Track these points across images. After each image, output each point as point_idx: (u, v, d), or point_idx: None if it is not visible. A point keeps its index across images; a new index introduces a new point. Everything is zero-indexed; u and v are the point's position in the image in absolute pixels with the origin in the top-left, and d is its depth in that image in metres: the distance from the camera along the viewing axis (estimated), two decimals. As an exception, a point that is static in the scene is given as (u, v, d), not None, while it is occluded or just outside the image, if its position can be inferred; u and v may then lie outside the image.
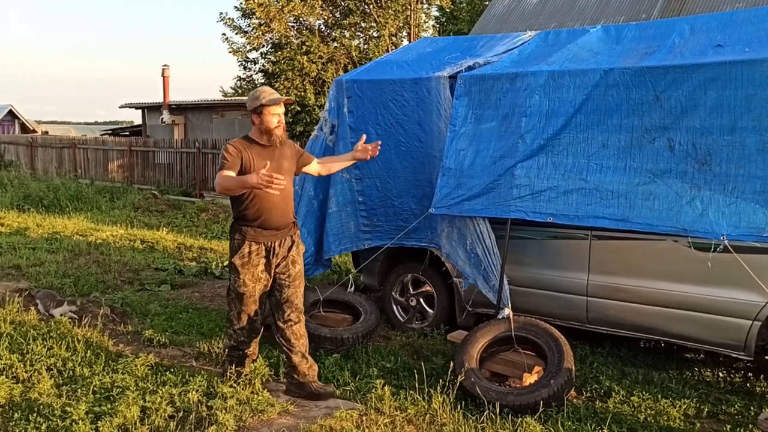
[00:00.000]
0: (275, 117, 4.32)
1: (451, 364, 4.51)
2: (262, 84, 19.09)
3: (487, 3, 21.36)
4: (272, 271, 4.40)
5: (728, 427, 4.09)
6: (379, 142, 4.79)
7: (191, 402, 4.08)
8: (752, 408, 4.36)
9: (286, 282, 4.42)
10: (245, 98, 23.35)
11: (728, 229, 3.96)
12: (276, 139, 4.34)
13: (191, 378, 4.43)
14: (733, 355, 4.65)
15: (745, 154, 3.93)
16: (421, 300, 6.01)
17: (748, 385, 4.82)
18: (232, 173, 4.16)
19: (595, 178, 4.47)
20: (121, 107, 27.51)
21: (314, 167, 4.83)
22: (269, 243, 4.37)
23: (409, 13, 19.16)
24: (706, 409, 4.35)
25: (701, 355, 5.36)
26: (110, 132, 29.44)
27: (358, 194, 5.83)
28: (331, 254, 5.95)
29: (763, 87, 3.85)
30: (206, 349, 5.19)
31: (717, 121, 4.02)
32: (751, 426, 4.07)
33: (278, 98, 4.31)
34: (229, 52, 18.92)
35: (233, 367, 4.54)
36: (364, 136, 4.83)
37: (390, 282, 6.16)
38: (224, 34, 20.31)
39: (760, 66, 3.87)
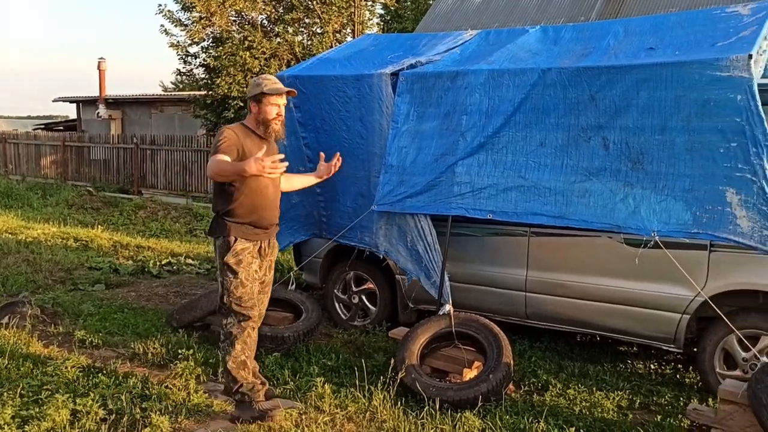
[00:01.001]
0: (275, 108, 3.98)
1: (392, 361, 4.51)
2: (203, 79, 18.74)
3: (431, 2, 21.50)
4: (263, 272, 4.09)
5: (659, 417, 4.22)
6: (339, 159, 4.50)
7: (124, 404, 3.97)
8: (682, 398, 4.51)
9: (261, 287, 4.09)
10: (185, 93, 22.81)
11: (659, 225, 4.08)
12: (272, 133, 4.01)
13: (125, 380, 4.32)
14: (664, 347, 4.80)
15: (675, 153, 4.06)
16: (364, 297, 6.01)
17: (678, 376, 4.99)
18: (228, 158, 3.78)
19: (534, 176, 4.54)
20: (55, 101, 26.67)
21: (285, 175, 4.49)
22: (260, 242, 4.03)
23: (353, 9, 19.13)
24: (639, 401, 4.48)
25: (634, 348, 5.52)
26: (43, 126, 28.42)
27: (317, 186, 5.83)
28: (298, 239, 6.05)
29: (691, 88, 3.98)
30: (141, 349, 5.06)
31: (648, 121, 4.14)
32: (680, 416, 4.21)
33: (281, 88, 3.99)
34: (169, 46, 18.49)
35: (255, 398, 3.95)
36: (323, 155, 4.53)
37: (332, 279, 6.13)
38: (162, 26, 19.88)
39: (689, 68, 4.00)
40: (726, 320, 4.19)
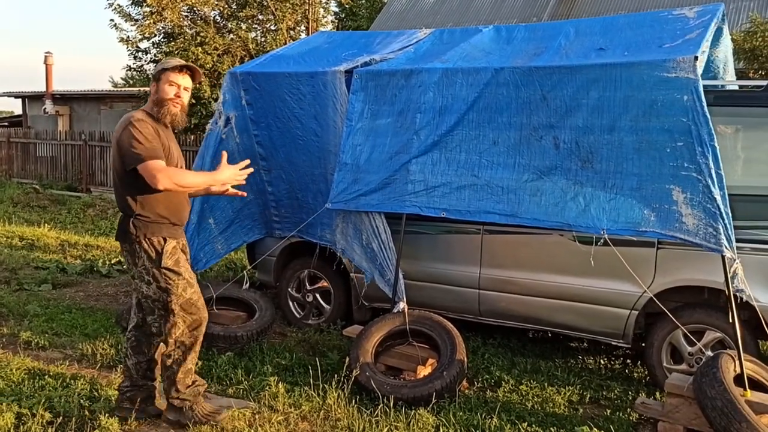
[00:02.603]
0: (173, 88, 3.60)
1: (347, 359, 4.50)
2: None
3: (385, 1, 21.53)
4: None
5: (608, 411, 4.31)
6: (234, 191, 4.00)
7: (72, 406, 3.86)
8: (630, 393, 4.61)
9: None
10: (136, 89, 22.28)
11: (608, 223, 4.16)
12: (167, 115, 3.60)
13: (72, 381, 4.21)
14: (613, 343, 4.91)
15: (623, 152, 4.15)
16: (318, 296, 5.98)
17: (626, 371, 5.10)
18: (163, 162, 3.44)
19: (487, 174, 4.58)
20: (-2, 96, 25.78)
21: None
22: (183, 240, 3.76)
23: (307, 7, 19.01)
24: (589, 395, 4.56)
25: (585, 344, 5.62)
26: (-13, 122, 27.47)
27: (268, 184, 5.80)
28: (252, 238, 6.01)
29: (639, 89, 4.07)
30: (90, 350, 4.94)
31: (598, 121, 4.21)
32: (629, 410, 4.31)
33: (183, 64, 3.64)
34: (119, 41, 18.07)
35: (197, 402, 3.74)
36: (225, 154, 3.88)
37: (286, 278, 6.09)
38: (112, 20, 19.41)
39: (637, 69, 4.09)
40: (671, 316, 4.31)
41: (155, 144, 3.46)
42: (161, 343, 3.75)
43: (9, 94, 25.48)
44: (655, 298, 4.38)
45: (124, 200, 3.59)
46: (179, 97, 3.63)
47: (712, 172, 3.84)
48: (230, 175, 3.57)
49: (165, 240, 3.58)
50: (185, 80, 3.66)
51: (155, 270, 3.55)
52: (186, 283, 3.61)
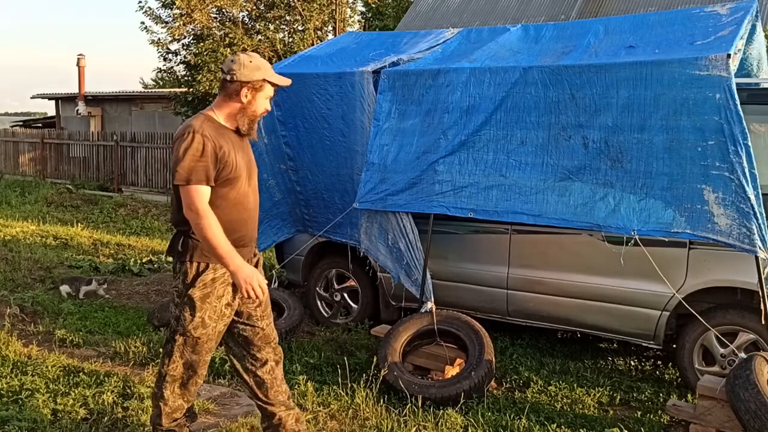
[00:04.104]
0: (268, 101, 3.22)
1: (375, 359, 4.52)
2: (184, 76, 18.57)
3: (412, 0, 21.50)
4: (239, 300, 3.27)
5: (639, 413, 4.27)
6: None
7: (106, 403, 3.94)
8: (661, 395, 4.56)
9: (256, 312, 3.32)
10: (166, 90, 22.53)
11: (639, 224, 4.12)
12: (253, 132, 3.23)
13: (106, 379, 4.29)
14: (643, 344, 4.86)
15: (654, 152, 4.10)
16: (346, 295, 6.00)
17: (657, 372, 5.04)
18: (208, 189, 3.01)
19: (514, 174, 4.56)
20: (33, 98, 26.31)
21: None
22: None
23: (334, 7, 19.07)
24: (619, 397, 4.52)
25: (614, 345, 5.57)
26: (21, 123, 28.04)
27: (296, 184, 5.87)
28: (282, 237, 6.03)
29: (670, 87, 4.02)
30: (122, 348, 5.02)
31: (628, 120, 4.17)
32: (660, 412, 4.26)
33: (283, 80, 3.27)
34: (150, 43, 18.32)
35: None
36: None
37: (314, 277, 6.12)
38: (143, 23, 19.70)
39: (668, 67, 4.04)
40: (701, 319, 4.25)
41: (204, 163, 2.99)
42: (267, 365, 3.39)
43: (43, 96, 25.99)
44: (683, 301, 4.33)
45: (178, 213, 3.12)
46: (268, 110, 3.28)
47: (746, 171, 3.78)
48: (249, 276, 3.00)
49: (206, 267, 3.12)
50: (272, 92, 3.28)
51: (180, 292, 3.18)
52: (198, 322, 3.15)
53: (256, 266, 3.29)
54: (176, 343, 3.22)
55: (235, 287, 3.14)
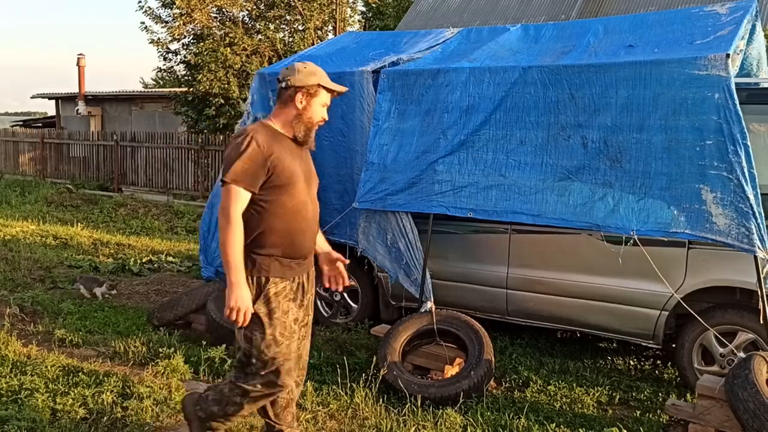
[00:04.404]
0: (324, 110, 3.15)
1: (374, 358, 4.52)
2: (184, 76, 18.58)
3: (412, 0, 21.51)
4: (305, 316, 3.22)
5: (638, 412, 4.27)
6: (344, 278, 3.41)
7: (105, 403, 3.94)
8: (660, 394, 4.56)
9: (301, 333, 3.22)
10: (166, 90, 22.52)
11: (638, 224, 4.12)
12: (311, 142, 3.14)
13: (105, 378, 4.29)
14: (643, 343, 4.86)
15: (652, 151, 4.10)
16: (345, 295, 6.00)
17: (656, 372, 5.04)
18: (247, 195, 2.94)
19: (514, 174, 4.57)
20: (33, 97, 26.33)
21: None
22: (299, 278, 3.15)
23: (334, 7, 19.08)
24: (618, 396, 4.52)
25: (614, 345, 5.57)
26: (21, 123, 28.05)
27: None
28: None
29: (669, 87, 4.03)
30: (122, 348, 5.02)
31: (627, 120, 4.18)
32: (659, 411, 4.26)
33: (339, 87, 3.19)
34: (149, 42, 18.33)
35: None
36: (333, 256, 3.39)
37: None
38: (143, 23, 19.72)
39: (667, 66, 4.04)
40: (699, 319, 4.25)
41: (252, 167, 2.92)
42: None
43: (43, 96, 26.00)
44: (682, 301, 4.33)
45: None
46: (325, 120, 3.17)
47: (745, 170, 3.79)
48: (240, 299, 2.89)
49: (267, 280, 3.02)
50: (329, 100, 3.19)
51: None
52: (272, 340, 3.00)
53: (307, 280, 3.20)
54: (250, 369, 3.05)
55: (301, 297, 3.15)
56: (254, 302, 2.98)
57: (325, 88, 3.11)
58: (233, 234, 2.90)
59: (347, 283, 3.38)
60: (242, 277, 2.92)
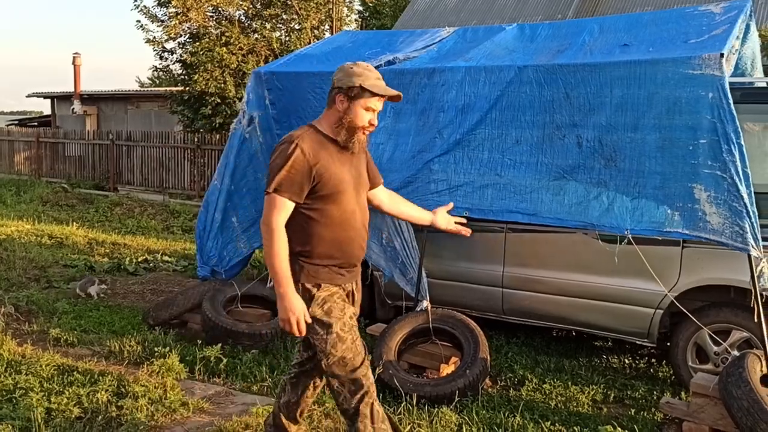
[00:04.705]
0: (368, 114, 2.94)
1: (370, 357, 4.52)
2: (180, 75, 18.54)
3: (409, -1, 21.51)
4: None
5: (633, 410, 4.28)
6: (465, 231, 3.60)
7: (100, 402, 3.93)
8: (655, 392, 4.57)
9: None
10: (162, 89, 22.44)
11: (632, 223, 4.12)
12: (357, 145, 2.98)
13: (100, 377, 4.28)
14: (638, 342, 4.87)
15: (646, 150, 4.11)
16: (341, 294, 6.00)
17: (651, 370, 5.06)
18: (292, 206, 2.88)
19: (509, 174, 4.57)
20: (28, 96, 26.34)
21: (380, 193, 3.38)
22: (349, 285, 3.10)
23: (331, 6, 19.07)
24: (613, 394, 4.54)
25: (609, 343, 5.58)
26: (17, 122, 27.99)
27: None
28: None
29: (663, 86, 4.04)
30: (117, 347, 5.02)
31: (621, 119, 4.18)
32: (653, 409, 4.28)
33: (385, 87, 2.96)
34: (145, 41, 18.29)
35: None
36: (451, 204, 3.66)
37: (309, 276, 6.11)
38: (139, 21, 19.67)
39: (662, 66, 4.05)
40: (693, 318, 4.26)
41: (296, 176, 2.84)
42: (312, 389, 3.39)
43: (38, 95, 25.94)
44: (675, 301, 4.34)
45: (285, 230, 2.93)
46: (372, 125, 2.98)
47: (739, 169, 3.79)
48: (293, 308, 2.83)
49: (318, 286, 2.97)
50: (380, 105, 2.98)
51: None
52: (336, 338, 2.94)
53: (356, 288, 3.16)
54: (333, 374, 2.98)
55: (352, 301, 3.11)
56: (309, 307, 2.92)
57: (370, 91, 2.90)
58: (277, 245, 2.84)
59: (468, 232, 3.52)
60: (290, 286, 2.85)
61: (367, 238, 3.15)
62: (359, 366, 2.97)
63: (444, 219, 3.55)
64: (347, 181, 2.97)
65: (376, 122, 2.99)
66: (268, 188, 2.88)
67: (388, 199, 3.42)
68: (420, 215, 3.54)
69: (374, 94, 2.92)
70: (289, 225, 2.90)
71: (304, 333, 2.89)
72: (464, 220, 3.57)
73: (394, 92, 2.99)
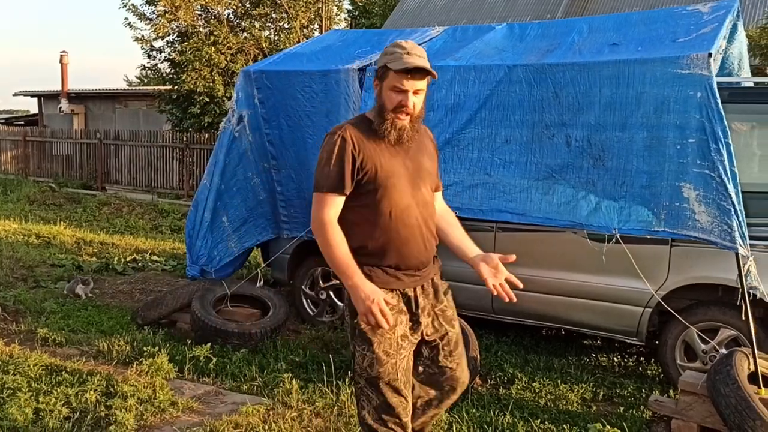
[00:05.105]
0: (397, 95, 2.62)
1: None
2: (168, 74, 18.46)
3: (398, -2, 21.51)
4: (419, 335, 2.80)
5: (622, 408, 4.30)
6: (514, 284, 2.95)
7: (89, 402, 3.91)
8: (644, 390, 4.59)
9: (444, 350, 2.86)
10: (150, 88, 22.38)
11: (619, 223, 4.15)
12: (393, 133, 2.66)
13: (89, 377, 4.26)
14: (626, 340, 4.89)
15: (634, 150, 4.14)
16: (331, 293, 6.00)
17: (640, 368, 5.09)
18: (341, 199, 2.67)
19: (499, 173, 4.58)
20: (15, 95, 26.25)
21: (437, 200, 2.99)
22: (409, 291, 2.76)
23: (320, 5, 19.05)
24: (602, 393, 4.56)
25: (598, 342, 5.61)
26: (3, 121, 27.78)
27: (277, 184, 5.81)
28: (265, 237, 5.93)
29: (652, 85, 4.06)
30: (106, 347, 4.99)
31: (610, 118, 4.21)
32: (642, 407, 4.30)
33: (413, 64, 2.58)
34: (134, 40, 18.21)
35: None
36: (514, 257, 2.92)
37: (300, 275, 6.11)
38: (126, 19, 19.59)
39: (650, 65, 4.08)
40: (680, 318, 4.29)
41: (339, 168, 2.64)
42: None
43: (25, 93, 25.78)
44: (662, 301, 4.36)
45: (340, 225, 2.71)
46: (405, 106, 2.62)
47: (727, 168, 3.82)
48: (369, 295, 2.55)
49: None
50: (415, 84, 2.63)
51: (349, 323, 2.77)
52: (374, 358, 2.67)
53: (437, 297, 2.86)
54: (359, 385, 2.76)
55: (412, 316, 2.76)
56: (356, 316, 2.67)
57: (393, 70, 2.60)
58: (332, 237, 2.63)
59: (519, 285, 2.83)
60: (358, 274, 2.59)
61: (433, 238, 2.82)
62: (393, 390, 2.69)
63: (488, 271, 2.87)
64: (398, 173, 2.69)
65: (409, 103, 2.61)
66: (315, 186, 2.71)
67: (438, 212, 2.94)
68: (463, 250, 2.97)
69: (397, 72, 2.59)
70: (342, 221, 2.68)
71: (392, 321, 2.61)
72: (518, 282, 2.89)
73: (411, 65, 2.58)
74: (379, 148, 2.67)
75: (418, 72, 2.60)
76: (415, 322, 2.77)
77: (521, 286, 2.81)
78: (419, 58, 2.63)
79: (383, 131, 2.66)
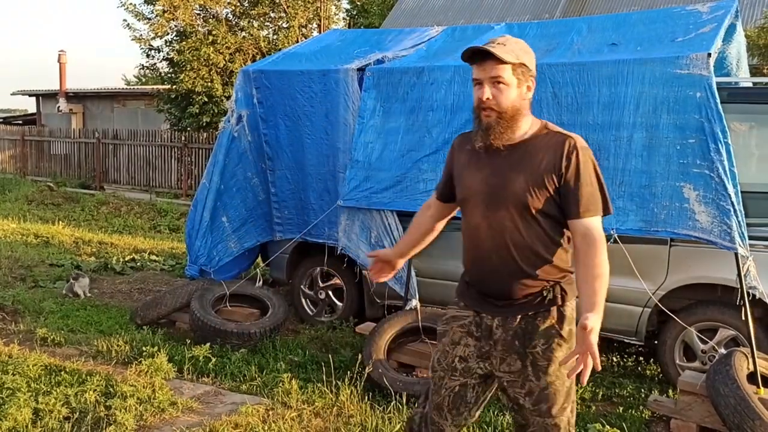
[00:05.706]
0: (478, 91, 2.39)
1: (359, 356, 4.52)
2: (167, 73, 18.45)
3: (396, -2, 21.51)
4: (489, 368, 2.50)
5: (621, 408, 4.30)
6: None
7: (88, 402, 3.91)
8: (643, 390, 4.60)
9: (525, 403, 2.46)
10: (149, 87, 22.35)
11: (618, 223, 4.15)
12: (479, 136, 2.40)
13: (88, 377, 4.25)
14: (626, 340, 4.89)
15: (633, 150, 4.14)
16: (330, 293, 6.00)
17: (639, 368, 5.09)
18: (437, 202, 2.72)
19: (498, 172, 4.57)
20: (13, 94, 26.19)
21: (575, 237, 2.43)
22: (486, 318, 2.49)
23: (319, 4, 19.04)
24: (601, 393, 4.56)
25: (597, 342, 5.59)
26: (1, 120, 27.74)
27: (271, 185, 5.80)
28: (265, 239, 5.92)
29: (651, 85, 4.06)
30: (105, 347, 4.99)
31: (609, 118, 4.21)
32: (641, 407, 4.30)
33: (475, 49, 2.34)
34: (132, 39, 18.19)
35: None
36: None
37: (299, 275, 6.11)
38: (125, 20, 19.57)
39: (650, 65, 4.08)
40: (676, 319, 4.29)
41: (444, 177, 2.66)
42: None
43: (23, 93, 25.73)
44: (659, 303, 4.36)
45: None
46: (482, 99, 2.35)
47: (726, 168, 3.83)
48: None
49: (455, 302, 2.64)
50: (489, 70, 2.33)
51: None
52: (433, 362, 2.61)
53: (528, 340, 2.43)
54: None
55: (479, 344, 2.49)
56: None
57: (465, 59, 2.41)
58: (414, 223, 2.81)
59: (598, 367, 2.32)
60: (394, 248, 2.86)
61: (523, 272, 2.40)
62: (434, 391, 2.59)
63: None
64: (475, 190, 2.46)
65: (487, 96, 2.33)
66: None
67: (577, 249, 2.42)
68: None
69: (467, 63, 2.40)
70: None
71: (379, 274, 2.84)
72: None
73: (469, 50, 2.36)
74: (470, 159, 2.50)
75: (479, 55, 2.34)
76: (479, 353, 2.50)
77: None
78: (487, 44, 2.36)
79: (473, 136, 2.46)
